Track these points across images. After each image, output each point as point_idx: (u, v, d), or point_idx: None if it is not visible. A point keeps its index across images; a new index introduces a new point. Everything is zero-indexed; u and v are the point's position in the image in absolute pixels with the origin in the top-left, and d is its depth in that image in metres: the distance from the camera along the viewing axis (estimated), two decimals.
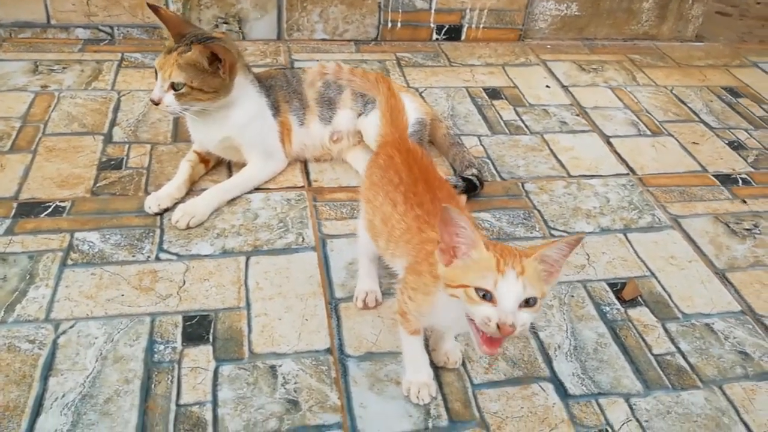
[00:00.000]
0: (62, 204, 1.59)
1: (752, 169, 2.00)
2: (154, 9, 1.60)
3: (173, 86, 1.55)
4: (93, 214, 1.57)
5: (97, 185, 1.66)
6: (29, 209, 1.56)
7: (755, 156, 2.07)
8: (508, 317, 0.90)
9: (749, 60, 2.71)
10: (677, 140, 2.10)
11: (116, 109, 1.97)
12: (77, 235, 1.50)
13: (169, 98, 1.56)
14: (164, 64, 1.55)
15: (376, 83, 1.34)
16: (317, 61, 2.33)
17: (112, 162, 1.75)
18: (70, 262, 1.43)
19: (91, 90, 2.05)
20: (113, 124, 1.90)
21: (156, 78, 1.57)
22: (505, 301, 0.91)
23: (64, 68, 2.14)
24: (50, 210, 1.57)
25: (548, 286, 0.97)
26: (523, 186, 1.82)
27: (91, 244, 1.48)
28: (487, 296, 0.92)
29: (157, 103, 1.57)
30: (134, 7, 2.29)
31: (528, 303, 0.92)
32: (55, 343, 1.25)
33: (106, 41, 2.32)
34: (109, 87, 2.07)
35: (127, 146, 1.81)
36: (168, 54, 1.55)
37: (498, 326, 0.90)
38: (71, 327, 1.29)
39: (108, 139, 1.83)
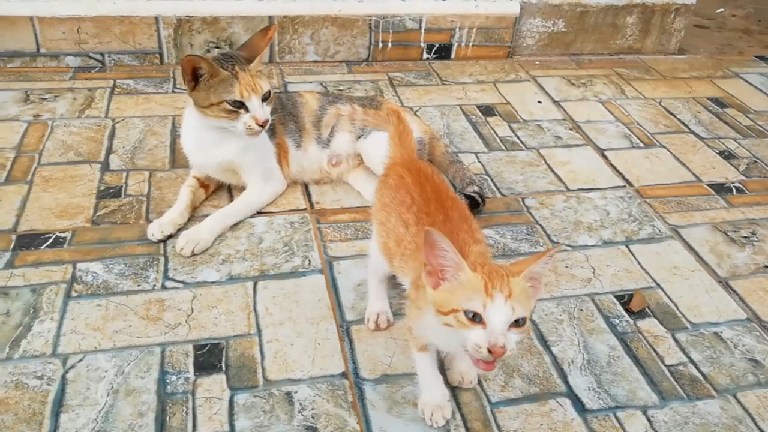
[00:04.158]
0: (62, 234, 1.56)
1: (744, 178, 2.03)
2: (193, 61, 1.50)
3: (264, 99, 1.56)
4: (95, 243, 1.54)
5: (97, 214, 1.63)
6: (29, 241, 1.53)
7: (746, 165, 2.11)
8: (499, 339, 0.92)
9: (731, 71, 2.77)
10: (670, 151, 2.14)
11: (111, 136, 1.95)
12: (80, 265, 1.48)
13: (268, 110, 1.57)
14: (248, 85, 1.52)
15: (387, 117, 1.35)
16: (310, 83, 2.35)
17: (111, 190, 1.72)
18: (74, 293, 1.41)
19: (85, 118, 2.02)
20: (109, 151, 1.88)
21: (240, 108, 1.53)
22: (495, 323, 0.92)
23: (56, 97, 2.12)
24: (50, 241, 1.54)
25: (533, 300, 0.99)
26: (523, 201, 1.83)
27: (94, 274, 1.46)
28: (477, 318, 0.93)
29: (266, 124, 1.55)
30: (125, 34, 2.28)
31: (517, 323, 0.94)
32: (64, 378, 1.22)
33: (97, 69, 2.31)
34: (102, 114, 2.05)
35: (125, 174, 1.79)
36: (237, 76, 1.52)
37: (489, 350, 0.92)
38: (80, 361, 1.26)
39: (105, 167, 1.81)
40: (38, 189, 1.71)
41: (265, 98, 1.57)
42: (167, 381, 1.24)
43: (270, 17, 2.35)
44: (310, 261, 1.55)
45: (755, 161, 2.13)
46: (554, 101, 2.39)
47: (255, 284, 1.47)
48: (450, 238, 1.11)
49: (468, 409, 1.24)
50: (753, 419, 1.26)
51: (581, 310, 1.48)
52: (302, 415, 1.20)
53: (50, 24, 2.21)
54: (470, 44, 2.60)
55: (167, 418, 1.17)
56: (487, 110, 2.28)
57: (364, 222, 1.68)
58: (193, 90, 1.54)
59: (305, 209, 1.73)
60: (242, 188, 1.73)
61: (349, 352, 1.33)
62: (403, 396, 1.25)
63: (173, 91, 2.21)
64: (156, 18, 2.27)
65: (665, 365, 1.36)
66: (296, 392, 1.24)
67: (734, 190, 1.97)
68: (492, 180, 1.91)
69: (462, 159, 1.91)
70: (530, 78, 2.54)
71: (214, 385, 1.24)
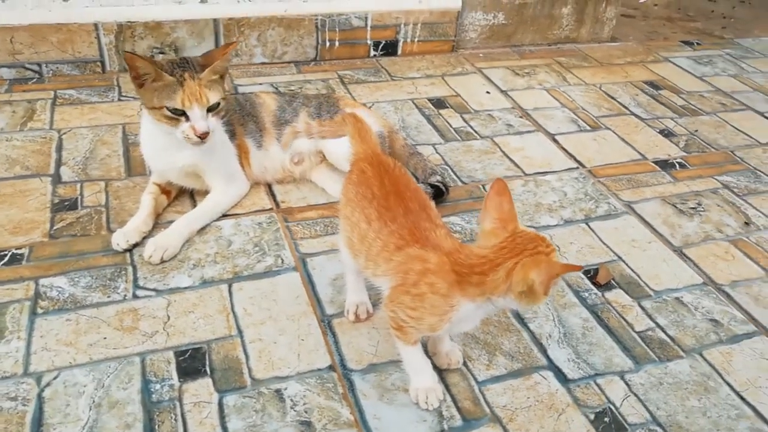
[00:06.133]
0: (19, 251, 1.49)
1: (685, 153, 2.16)
2: (133, 59, 1.45)
3: (210, 110, 1.52)
4: (56, 258, 1.48)
5: (55, 228, 1.57)
6: None
7: (685, 141, 2.23)
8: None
9: (661, 55, 2.93)
10: (615, 133, 2.24)
11: (59, 148, 1.87)
12: (42, 281, 1.41)
13: (213, 122, 1.54)
14: (192, 94, 1.47)
15: (343, 122, 1.34)
16: (260, 84, 2.32)
17: (66, 203, 1.66)
18: (39, 310, 1.34)
19: (28, 131, 1.93)
20: (59, 163, 1.80)
21: (181, 116, 1.49)
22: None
23: None
24: (6, 259, 1.46)
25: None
26: (484, 188, 1.88)
27: (59, 289, 1.40)
28: None
29: (204, 136, 1.51)
30: (63, 42, 2.19)
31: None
32: (40, 397, 1.17)
33: (35, 80, 2.20)
34: (47, 126, 1.96)
35: (79, 185, 1.72)
36: (183, 83, 1.47)
37: None
38: (55, 378, 1.21)
39: (57, 179, 1.74)
40: None
41: (212, 109, 1.53)
42: (151, 390, 1.20)
43: (215, 20, 2.32)
44: (282, 259, 1.54)
45: (693, 137, 2.26)
46: (502, 91, 2.45)
47: (230, 286, 1.45)
48: (411, 228, 1.13)
49: (457, 389, 1.26)
50: (719, 374, 1.35)
51: None
52: (294, 410, 1.19)
53: None
54: (416, 40, 2.64)
55: (156, 427, 1.14)
56: (439, 103, 2.32)
57: (332, 218, 1.69)
58: (140, 87, 1.51)
59: (271, 209, 1.72)
60: (205, 192, 1.70)
61: (334, 345, 1.33)
62: (393, 383, 1.26)
63: (119, 100, 2.14)
64: (95, 24, 2.19)
65: (635, 332, 1.43)
66: (286, 389, 1.23)
67: (677, 165, 2.09)
68: (452, 169, 1.95)
69: (421, 151, 1.94)
70: (476, 70, 2.61)
71: (201, 389, 1.21)
